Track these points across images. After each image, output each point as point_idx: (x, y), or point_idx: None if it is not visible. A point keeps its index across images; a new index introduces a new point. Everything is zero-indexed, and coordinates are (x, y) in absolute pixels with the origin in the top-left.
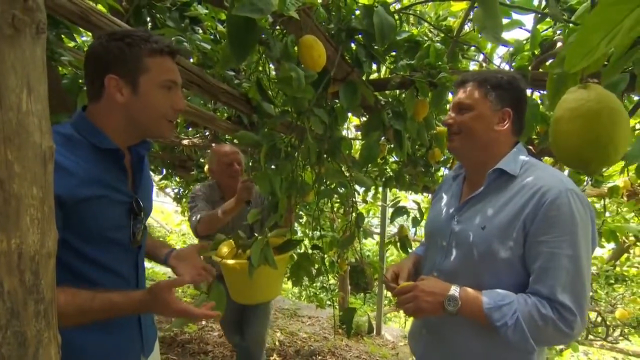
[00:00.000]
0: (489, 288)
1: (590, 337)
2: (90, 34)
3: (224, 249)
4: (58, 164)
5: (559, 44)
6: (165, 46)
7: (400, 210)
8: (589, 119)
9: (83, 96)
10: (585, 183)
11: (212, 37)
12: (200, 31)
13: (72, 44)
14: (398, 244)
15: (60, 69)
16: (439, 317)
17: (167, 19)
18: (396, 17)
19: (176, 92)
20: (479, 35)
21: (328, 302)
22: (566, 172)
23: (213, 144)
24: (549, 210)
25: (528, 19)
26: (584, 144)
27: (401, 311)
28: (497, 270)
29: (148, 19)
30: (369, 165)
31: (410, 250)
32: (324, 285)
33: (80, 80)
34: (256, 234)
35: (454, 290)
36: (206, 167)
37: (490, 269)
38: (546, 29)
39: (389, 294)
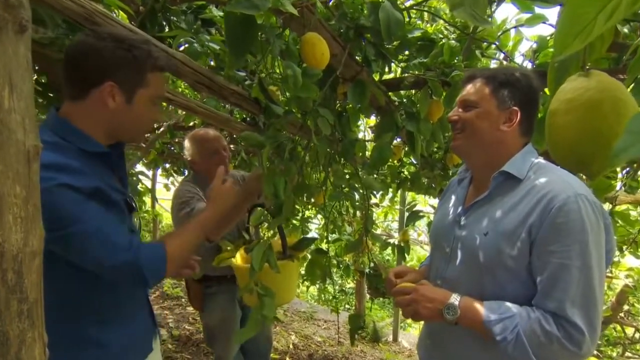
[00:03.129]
0: (493, 298)
1: (628, 354)
2: None
3: (239, 254)
4: (64, 165)
5: None
6: (165, 64)
7: (416, 214)
8: (588, 111)
9: None
10: (617, 188)
11: None
12: (218, 34)
13: None
14: (396, 248)
15: None
16: (442, 327)
17: (182, 22)
18: (405, 14)
19: (159, 105)
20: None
21: (347, 306)
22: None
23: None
24: (556, 217)
25: (552, 13)
26: (583, 140)
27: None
28: (501, 280)
29: (164, 22)
30: (382, 167)
31: (407, 256)
32: (343, 288)
33: None
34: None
35: (454, 298)
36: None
37: (494, 277)
38: None
39: None
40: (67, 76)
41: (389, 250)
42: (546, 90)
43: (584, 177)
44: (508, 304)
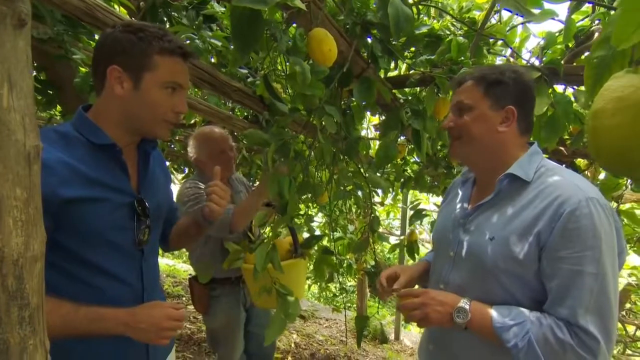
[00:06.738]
0: (501, 303)
1: (628, 352)
2: None
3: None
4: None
5: (597, 35)
6: (178, 47)
7: (419, 213)
8: None
9: (94, 96)
10: (624, 187)
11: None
12: (219, 30)
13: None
14: (405, 248)
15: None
16: (447, 333)
17: (183, 17)
18: (415, 10)
19: (180, 94)
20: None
21: (348, 304)
22: (602, 176)
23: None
24: (567, 222)
25: (562, 9)
26: (634, 144)
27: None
28: (508, 286)
29: (165, 18)
30: (387, 166)
31: (417, 256)
32: (344, 286)
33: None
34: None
35: (464, 302)
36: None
37: (500, 283)
38: (582, 19)
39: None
40: (91, 72)
41: (388, 247)
42: (556, 88)
43: (588, 174)
44: (519, 308)
